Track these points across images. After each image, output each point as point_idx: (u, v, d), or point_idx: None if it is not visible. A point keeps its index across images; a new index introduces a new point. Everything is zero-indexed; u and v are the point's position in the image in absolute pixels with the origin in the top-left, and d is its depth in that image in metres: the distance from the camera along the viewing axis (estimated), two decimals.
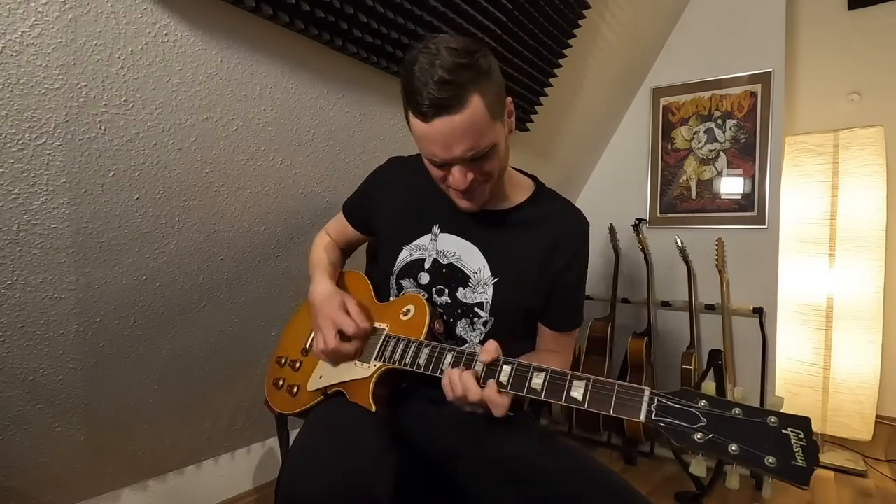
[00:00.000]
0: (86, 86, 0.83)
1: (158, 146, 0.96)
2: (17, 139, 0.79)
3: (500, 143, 0.85)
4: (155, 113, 0.93)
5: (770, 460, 0.57)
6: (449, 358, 0.81)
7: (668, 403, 0.64)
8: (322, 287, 0.98)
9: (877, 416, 2.19)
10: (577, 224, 0.98)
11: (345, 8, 1.05)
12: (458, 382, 0.77)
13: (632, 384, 0.67)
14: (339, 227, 1.14)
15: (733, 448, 0.58)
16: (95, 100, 0.85)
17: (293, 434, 1.05)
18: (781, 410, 0.60)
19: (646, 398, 0.65)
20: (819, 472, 2.01)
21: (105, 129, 0.88)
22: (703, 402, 0.62)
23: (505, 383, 0.75)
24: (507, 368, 0.76)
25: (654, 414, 0.64)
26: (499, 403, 0.75)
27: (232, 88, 1.02)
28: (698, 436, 0.61)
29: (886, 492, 1.86)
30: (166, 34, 0.89)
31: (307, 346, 1.01)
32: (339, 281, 1.10)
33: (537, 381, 0.73)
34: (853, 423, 2.14)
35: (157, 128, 0.94)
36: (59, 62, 0.79)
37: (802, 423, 0.58)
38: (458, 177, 0.83)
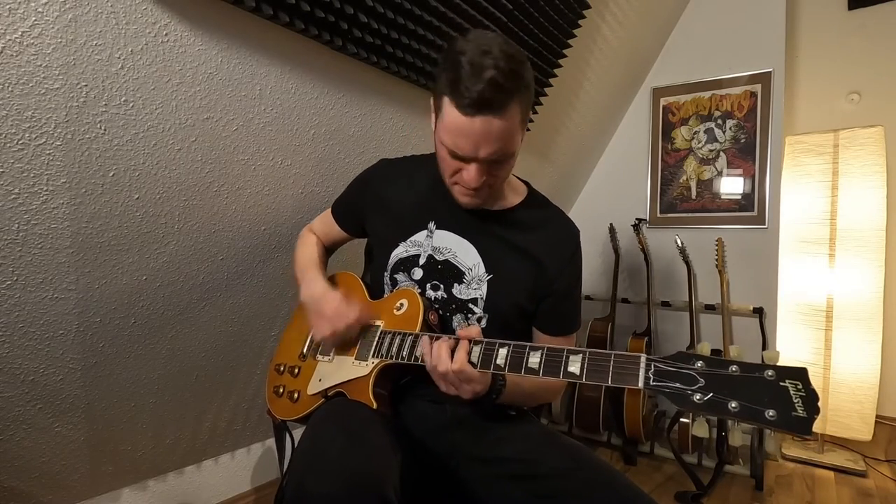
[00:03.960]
0: (86, 86, 0.83)
1: (158, 146, 0.96)
2: (17, 139, 0.79)
3: (517, 151, 0.86)
4: (155, 113, 0.93)
5: (770, 413, 0.57)
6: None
7: (664, 368, 0.64)
8: (319, 286, 0.99)
9: (877, 416, 2.19)
10: (569, 232, 1.00)
11: (345, 8, 1.05)
12: (436, 355, 0.79)
13: (628, 353, 0.68)
14: (325, 226, 1.14)
15: (733, 405, 0.59)
16: (95, 100, 0.85)
17: (296, 437, 1.05)
18: (778, 363, 0.60)
19: (642, 365, 0.65)
20: (819, 471, 2.02)
21: (105, 129, 0.88)
22: (699, 363, 0.63)
23: (502, 365, 0.75)
24: (503, 351, 0.77)
25: (651, 380, 0.64)
26: (474, 377, 0.77)
27: (232, 88, 1.02)
28: (697, 396, 0.61)
29: (886, 492, 1.86)
30: (166, 34, 0.89)
31: (304, 351, 1.02)
32: (331, 282, 1.10)
33: (534, 360, 0.74)
34: (853, 423, 2.14)
35: (158, 128, 0.94)
36: (59, 62, 0.79)
37: (800, 373, 0.58)
38: (473, 175, 0.83)
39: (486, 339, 0.79)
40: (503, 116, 0.77)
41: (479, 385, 0.79)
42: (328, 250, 1.17)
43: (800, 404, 0.56)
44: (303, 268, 1.07)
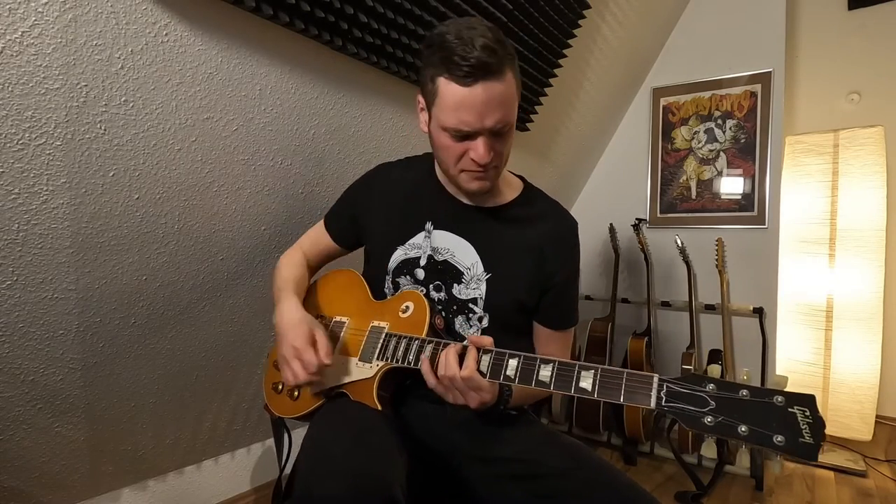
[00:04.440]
0: (86, 86, 0.83)
1: (158, 146, 0.96)
2: (17, 139, 0.79)
3: (514, 126, 0.86)
4: (155, 113, 0.93)
5: (779, 439, 0.58)
6: (452, 353, 0.80)
7: (677, 389, 0.65)
8: (289, 312, 0.91)
9: (877, 416, 2.19)
10: (567, 225, 0.99)
11: (345, 8, 1.05)
12: (443, 362, 0.78)
13: (640, 372, 0.68)
14: (315, 241, 1.10)
15: (743, 429, 0.60)
16: (95, 100, 0.85)
17: (296, 436, 1.05)
18: (786, 389, 0.61)
19: (655, 385, 0.66)
20: (819, 471, 2.01)
21: (105, 129, 0.88)
22: (710, 386, 0.64)
23: (512, 377, 0.75)
24: (513, 362, 0.76)
25: (664, 400, 0.65)
26: (482, 386, 0.76)
27: (232, 88, 1.02)
28: (708, 419, 0.62)
29: (886, 492, 1.86)
30: (166, 34, 0.89)
31: None
32: (332, 279, 1.09)
33: (545, 373, 0.74)
34: (853, 423, 2.14)
35: (157, 128, 0.94)
36: (59, 62, 0.79)
37: (808, 400, 0.59)
38: (482, 150, 0.82)
39: (496, 349, 0.78)
40: (502, 80, 0.78)
41: (487, 394, 0.78)
42: (313, 269, 1.12)
43: (807, 431, 0.58)
44: (278, 287, 1.01)
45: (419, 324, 0.88)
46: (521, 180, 1.04)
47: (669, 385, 0.65)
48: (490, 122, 0.80)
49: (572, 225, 1.00)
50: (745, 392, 0.62)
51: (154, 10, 0.86)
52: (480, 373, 0.77)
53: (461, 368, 0.77)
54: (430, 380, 0.80)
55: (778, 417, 0.59)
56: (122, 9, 0.82)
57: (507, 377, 0.76)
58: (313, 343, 0.85)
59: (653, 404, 0.65)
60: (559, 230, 0.98)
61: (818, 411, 0.58)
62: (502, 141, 0.85)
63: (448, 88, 0.79)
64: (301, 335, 0.85)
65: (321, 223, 1.11)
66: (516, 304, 0.94)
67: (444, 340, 0.83)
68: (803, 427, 0.58)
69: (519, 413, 0.98)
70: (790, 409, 0.59)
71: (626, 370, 0.69)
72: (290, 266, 1.05)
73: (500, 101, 0.79)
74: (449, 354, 0.78)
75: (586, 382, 0.70)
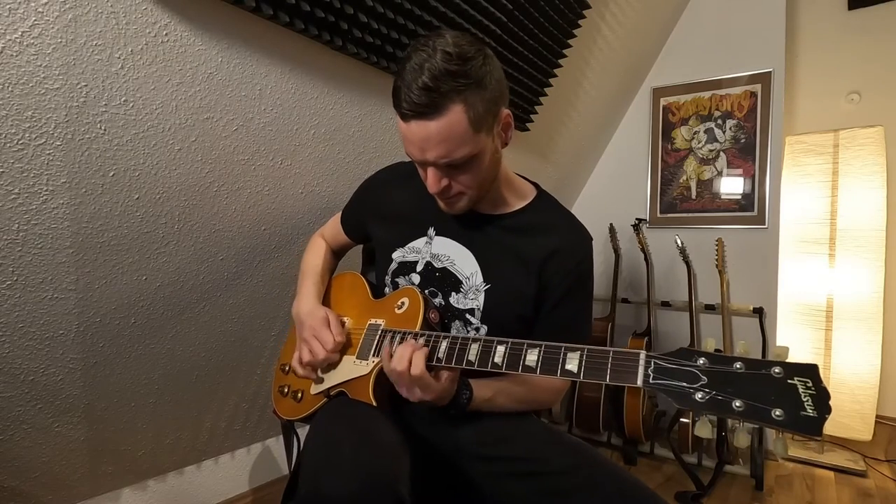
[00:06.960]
0: (86, 86, 0.83)
1: (158, 146, 0.96)
2: (17, 139, 0.79)
3: (483, 156, 0.82)
4: (155, 113, 0.93)
5: (777, 413, 0.53)
6: (444, 345, 0.80)
7: (665, 365, 0.61)
8: (305, 303, 1.01)
9: (877, 416, 2.19)
10: (578, 238, 0.95)
11: (345, 8, 1.05)
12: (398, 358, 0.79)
13: (627, 349, 0.65)
14: (334, 231, 1.15)
15: (737, 404, 0.55)
16: (95, 100, 0.85)
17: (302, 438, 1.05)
18: (786, 360, 0.56)
19: (642, 362, 0.63)
20: (819, 471, 2.01)
21: (105, 129, 0.88)
22: (702, 360, 0.59)
23: (500, 364, 0.74)
24: (500, 349, 0.75)
25: (651, 378, 0.61)
26: (427, 383, 0.78)
27: (232, 88, 1.02)
28: (699, 395, 0.58)
29: (886, 492, 1.86)
30: (166, 34, 0.89)
31: None
32: (335, 282, 1.11)
33: (532, 357, 0.72)
34: (853, 423, 2.14)
35: (158, 128, 0.94)
36: (59, 62, 0.79)
37: (809, 370, 0.54)
38: (430, 180, 0.83)
39: (483, 337, 0.78)
40: (439, 119, 0.75)
41: (429, 394, 0.79)
42: (337, 255, 1.17)
43: (809, 403, 0.53)
44: (303, 274, 1.08)
45: (413, 318, 0.87)
46: (535, 187, 1.00)
47: (657, 361, 0.62)
48: (431, 157, 0.79)
49: (583, 240, 0.95)
50: (739, 364, 0.57)
51: (154, 10, 0.86)
52: (469, 362, 0.77)
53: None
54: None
55: (776, 390, 0.54)
56: (122, 9, 0.82)
57: (494, 364, 0.74)
58: (328, 325, 0.94)
59: (640, 382, 0.62)
60: (566, 244, 0.92)
61: (822, 381, 0.53)
62: (463, 172, 0.83)
63: (397, 119, 0.81)
64: (317, 318, 0.95)
65: (338, 217, 1.14)
66: (515, 318, 0.92)
67: (435, 333, 0.83)
68: (805, 399, 0.52)
69: (519, 412, 0.98)
70: (790, 381, 0.54)
71: (612, 349, 0.66)
72: (313, 254, 1.13)
73: (439, 138, 0.77)
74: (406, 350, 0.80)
75: (572, 364, 0.68)
